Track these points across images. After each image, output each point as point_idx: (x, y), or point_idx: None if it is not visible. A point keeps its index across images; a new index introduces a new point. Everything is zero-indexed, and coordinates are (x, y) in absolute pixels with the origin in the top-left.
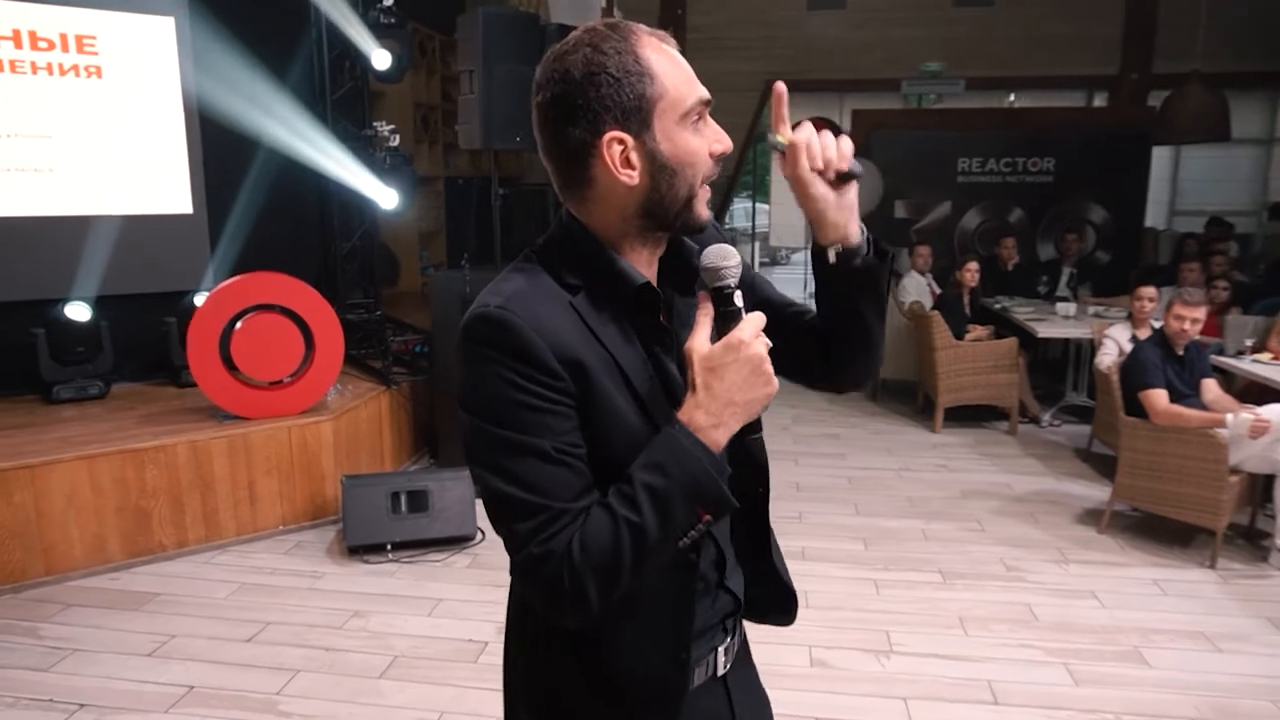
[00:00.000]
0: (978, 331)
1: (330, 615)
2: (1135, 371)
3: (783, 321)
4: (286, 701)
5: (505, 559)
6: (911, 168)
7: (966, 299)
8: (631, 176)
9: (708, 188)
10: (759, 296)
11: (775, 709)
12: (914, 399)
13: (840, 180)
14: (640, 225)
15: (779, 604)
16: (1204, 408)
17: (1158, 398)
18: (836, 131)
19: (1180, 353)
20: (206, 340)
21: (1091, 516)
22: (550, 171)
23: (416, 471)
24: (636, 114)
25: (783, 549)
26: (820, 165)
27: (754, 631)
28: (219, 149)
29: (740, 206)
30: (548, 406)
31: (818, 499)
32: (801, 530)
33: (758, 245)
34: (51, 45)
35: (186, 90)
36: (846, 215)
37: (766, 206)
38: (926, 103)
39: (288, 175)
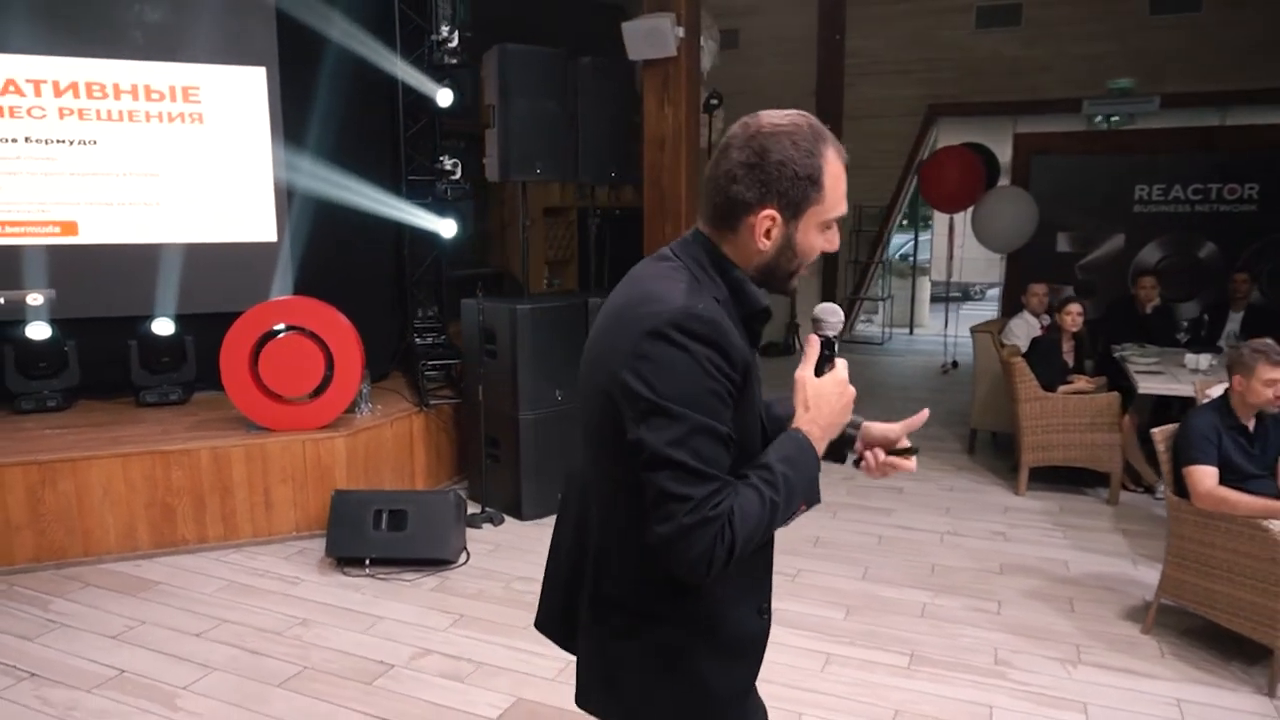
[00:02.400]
0: (1080, 383)
1: (279, 621)
2: (1182, 443)
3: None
4: (185, 697)
5: (470, 586)
6: (1079, 196)
7: (1069, 345)
8: (766, 245)
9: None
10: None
11: None
12: (1011, 455)
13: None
14: (757, 278)
15: None
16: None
17: (1202, 476)
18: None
19: (1249, 424)
20: (238, 355)
21: (1145, 613)
22: (706, 199)
23: (401, 492)
24: (793, 206)
25: (778, 610)
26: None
27: None
28: (301, 183)
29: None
30: (728, 397)
31: (828, 557)
32: (788, 589)
33: (921, 278)
34: (162, 96)
35: (274, 130)
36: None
37: (927, 237)
38: (1115, 124)
39: (364, 206)
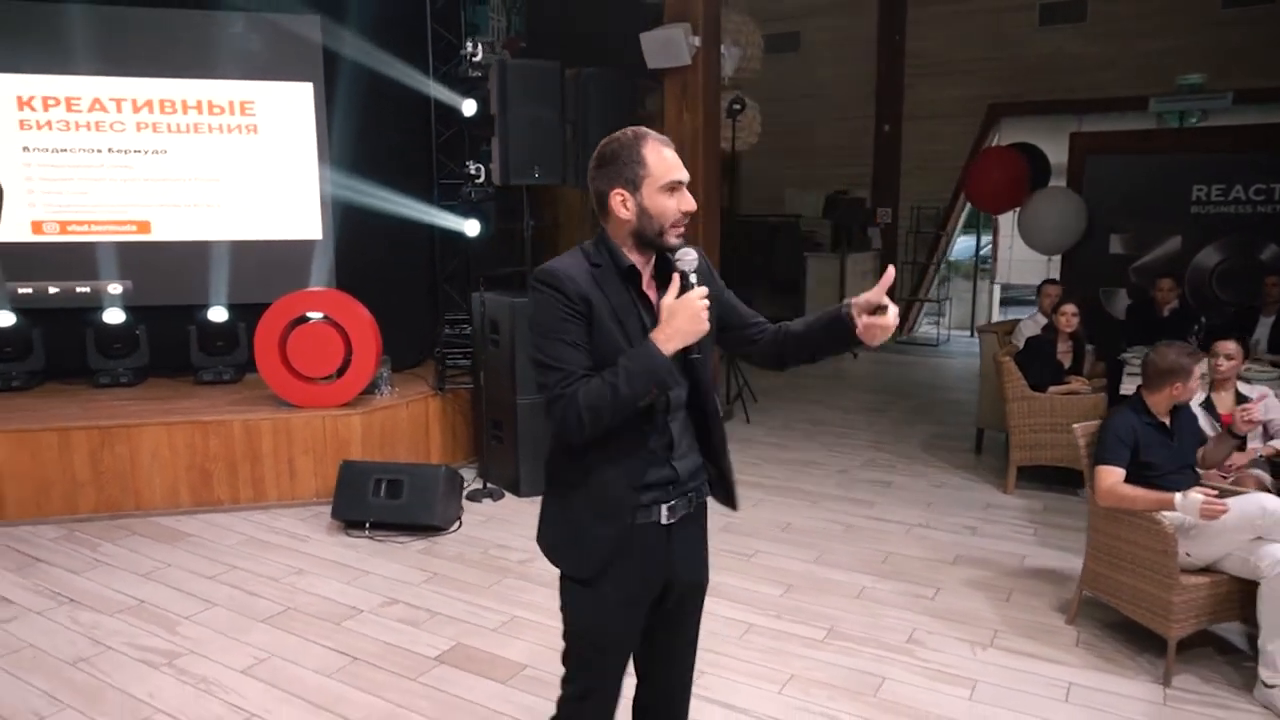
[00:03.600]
0: (1076, 384)
1: (280, 570)
2: (1097, 442)
3: (738, 324)
4: (185, 624)
5: (452, 550)
6: (1133, 197)
7: (1066, 346)
8: (626, 214)
9: (682, 226)
10: (726, 301)
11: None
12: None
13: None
14: (633, 242)
15: (720, 492)
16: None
17: (1105, 475)
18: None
19: (1166, 420)
20: (269, 339)
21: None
22: (593, 201)
23: (399, 464)
24: (631, 182)
25: (719, 584)
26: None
27: None
28: (343, 185)
29: (965, 243)
30: (571, 317)
31: (789, 541)
32: (739, 567)
33: (983, 282)
34: (223, 110)
35: (320, 139)
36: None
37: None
38: (1187, 122)
39: (400, 207)
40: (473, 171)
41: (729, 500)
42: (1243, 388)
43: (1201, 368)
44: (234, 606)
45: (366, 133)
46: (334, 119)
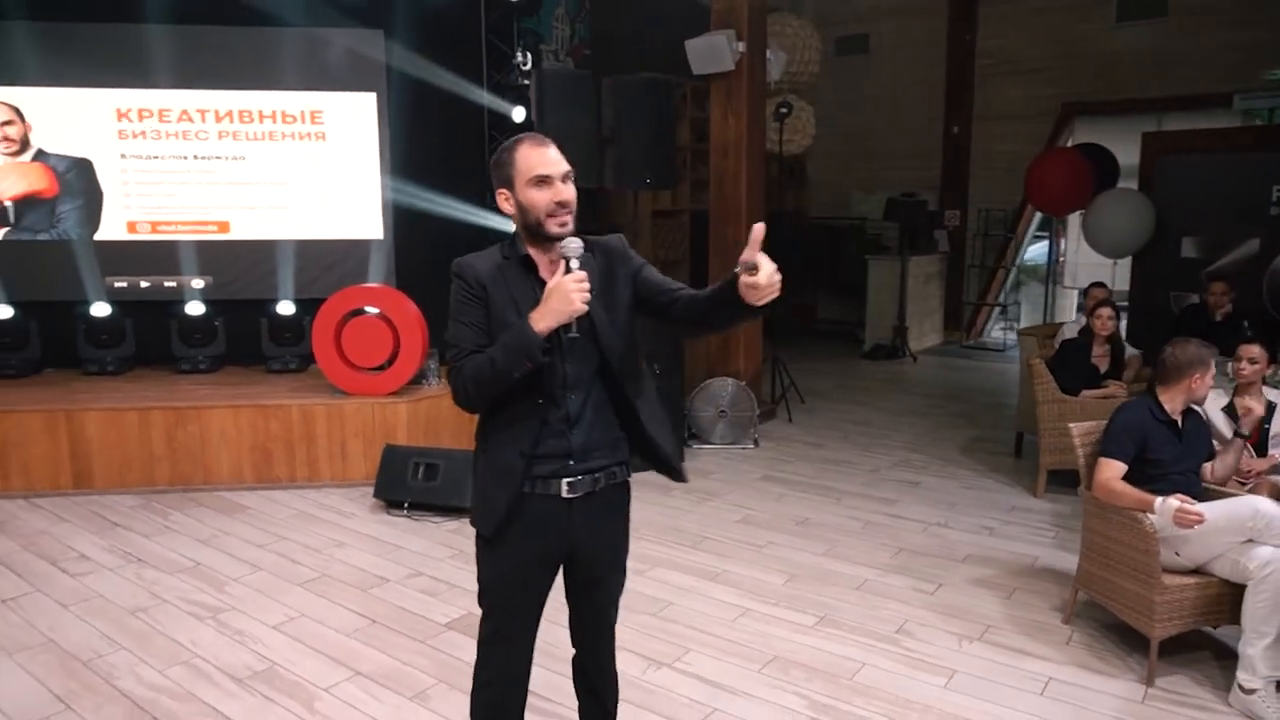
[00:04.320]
0: (1113, 388)
1: (323, 542)
2: (1105, 434)
3: (656, 294)
4: (231, 585)
5: None
6: (1207, 198)
7: (1103, 349)
8: (511, 210)
9: (562, 216)
10: (642, 277)
11: (540, 685)
12: None
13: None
14: (526, 234)
15: (655, 462)
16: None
17: (1105, 468)
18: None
19: (1179, 420)
20: (325, 330)
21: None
22: None
23: (436, 449)
24: (507, 181)
25: (725, 572)
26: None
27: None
28: (403, 188)
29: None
30: (469, 301)
31: (804, 535)
32: (748, 557)
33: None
34: (295, 119)
35: (382, 145)
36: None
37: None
38: (1276, 119)
39: (454, 207)
40: None
41: (669, 472)
42: (1269, 393)
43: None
44: (276, 571)
45: (424, 138)
46: (394, 126)
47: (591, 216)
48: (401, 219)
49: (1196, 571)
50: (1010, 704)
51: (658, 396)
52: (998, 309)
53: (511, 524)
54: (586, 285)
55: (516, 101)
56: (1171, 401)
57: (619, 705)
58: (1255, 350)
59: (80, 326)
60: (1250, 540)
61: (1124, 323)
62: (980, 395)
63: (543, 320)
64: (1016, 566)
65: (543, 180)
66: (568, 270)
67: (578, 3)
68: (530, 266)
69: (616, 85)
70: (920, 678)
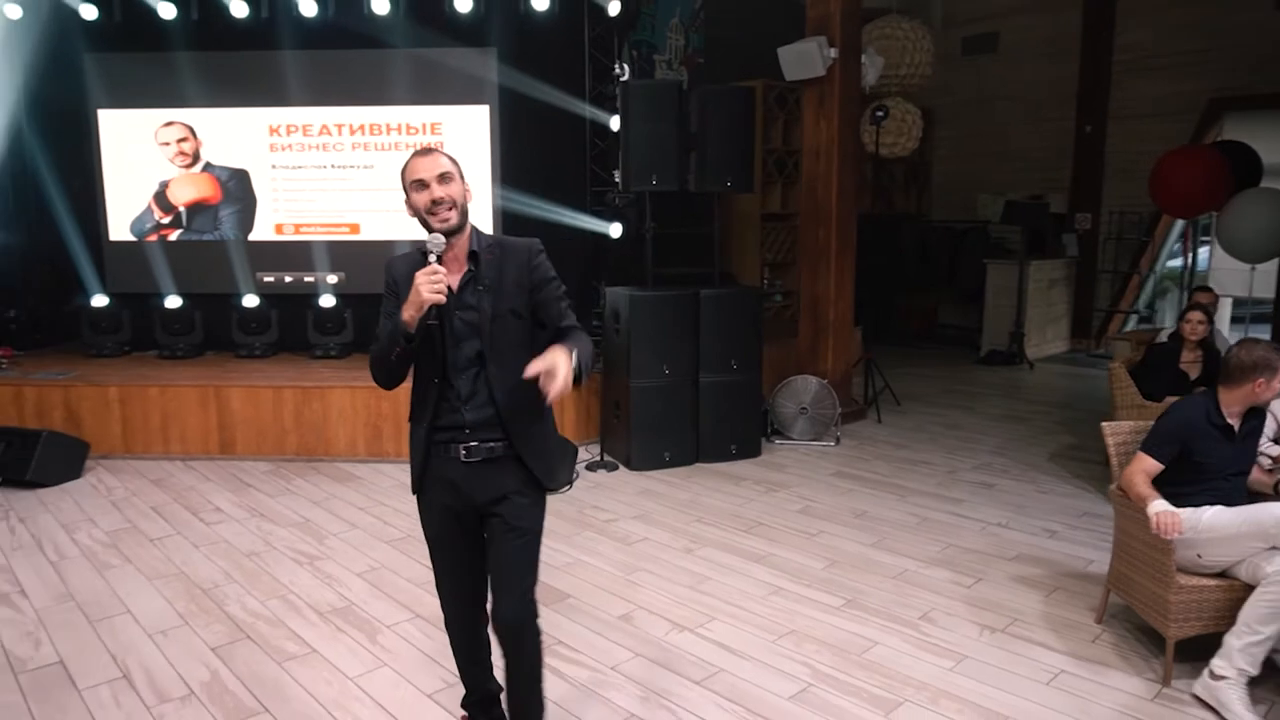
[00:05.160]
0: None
1: (414, 508)
2: (1154, 426)
3: (542, 316)
4: (330, 539)
5: (552, 504)
6: None
7: (1193, 355)
8: (410, 211)
9: (441, 212)
10: (541, 296)
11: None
12: None
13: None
14: (426, 232)
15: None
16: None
17: (1139, 462)
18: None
19: (1235, 424)
20: None
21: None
22: None
23: None
24: (405, 187)
25: (770, 555)
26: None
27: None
28: (512, 192)
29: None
30: (389, 296)
31: (858, 527)
32: (797, 543)
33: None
34: (417, 131)
35: (493, 152)
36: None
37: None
38: None
39: (558, 211)
40: (616, 180)
41: (527, 466)
42: None
43: None
44: (370, 530)
45: (531, 147)
46: (504, 136)
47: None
48: (510, 221)
49: (1221, 575)
50: (1011, 689)
51: (534, 398)
52: (1134, 316)
53: (426, 483)
54: (438, 278)
55: (614, 112)
56: (1231, 404)
57: (542, 662)
58: None
59: (234, 315)
60: (1274, 548)
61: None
62: (1089, 403)
63: (407, 308)
64: (1066, 568)
65: (420, 184)
66: (427, 262)
67: (692, 13)
68: (426, 260)
69: (700, 94)
70: (928, 659)
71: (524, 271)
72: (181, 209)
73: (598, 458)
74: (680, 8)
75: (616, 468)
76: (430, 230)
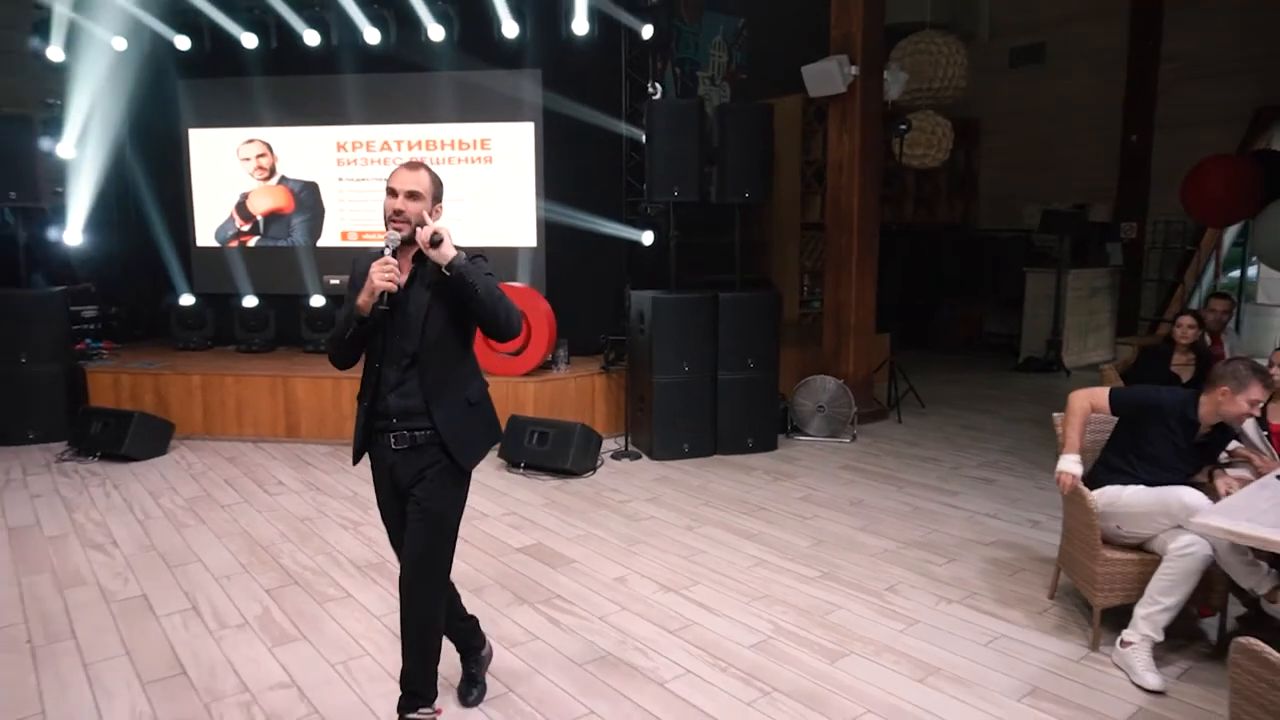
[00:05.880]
0: None
1: None
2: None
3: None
4: (375, 510)
5: (574, 487)
6: None
7: (1186, 358)
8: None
9: (397, 221)
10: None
11: (568, 592)
12: None
13: (431, 246)
14: None
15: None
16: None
17: (1095, 393)
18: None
19: (1204, 430)
20: None
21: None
22: None
23: (547, 420)
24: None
25: (762, 534)
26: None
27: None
28: (554, 203)
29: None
30: (352, 287)
31: (851, 513)
32: (790, 525)
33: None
34: (469, 146)
35: (538, 165)
36: (439, 258)
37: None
38: None
39: (595, 221)
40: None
41: (446, 448)
42: None
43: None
44: None
45: (571, 160)
46: (547, 149)
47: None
48: (552, 231)
49: (1141, 549)
50: (949, 649)
51: (462, 386)
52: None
53: (369, 461)
54: (390, 268)
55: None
56: (1204, 408)
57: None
58: None
59: (302, 314)
60: (1180, 527)
61: None
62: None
63: (361, 295)
64: (1039, 554)
65: (390, 191)
66: (384, 254)
67: (735, 32)
68: (394, 256)
69: (720, 111)
70: (884, 623)
71: (469, 270)
72: (259, 218)
73: (623, 448)
74: (724, 26)
75: (640, 457)
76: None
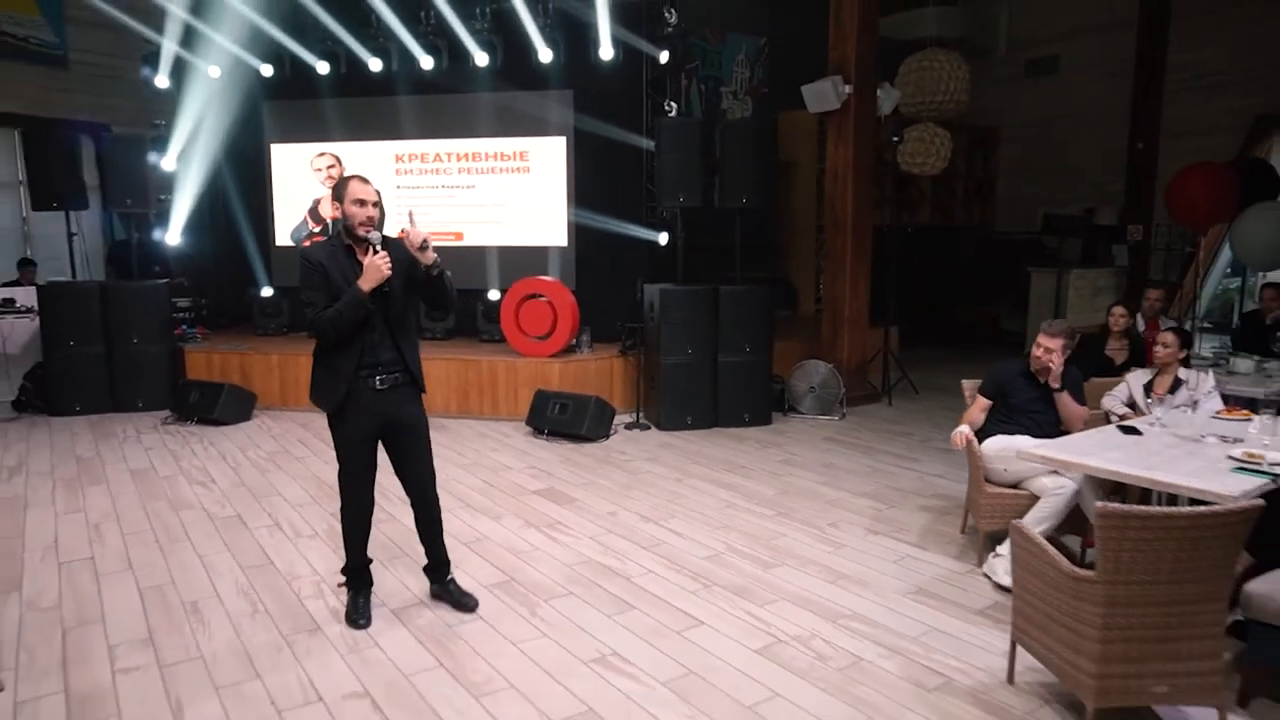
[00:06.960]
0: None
1: (486, 447)
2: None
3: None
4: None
5: (589, 449)
6: None
7: (1120, 344)
8: (338, 214)
9: (369, 224)
10: (413, 274)
11: (566, 520)
12: None
13: (421, 250)
14: (346, 232)
15: (409, 374)
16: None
17: (973, 399)
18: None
19: (1041, 379)
20: (509, 308)
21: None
22: None
23: (567, 393)
24: (341, 200)
25: (739, 485)
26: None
27: (601, 505)
28: (584, 210)
29: None
30: (315, 276)
31: (818, 472)
32: (766, 481)
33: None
34: (508, 158)
35: (569, 175)
36: (424, 260)
37: None
38: None
39: (620, 223)
40: None
41: (413, 381)
42: (1183, 372)
43: (1053, 343)
44: (449, 460)
45: (599, 171)
46: (578, 162)
47: (760, 233)
48: (581, 234)
49: (1017, 486)
50: (862, 563)
51: (413, 337)
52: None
53: (348, 405)
54: (388, 260)
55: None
56: (1032, 362)
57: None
58: (1169, 337)
59: None
60: (1055, 471)
61: None
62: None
63: (366, 284)
64: None
65: (360, 202)
66: (376, 251)
67: (757, 50)
68: (350, 252)
69: (724, 126)
70: (817, 546)
71: (406, 258)
72: (329, 220)
73: (635, 420)
74: (746, 46)
75: (649, 428)
76: (353, 232)
